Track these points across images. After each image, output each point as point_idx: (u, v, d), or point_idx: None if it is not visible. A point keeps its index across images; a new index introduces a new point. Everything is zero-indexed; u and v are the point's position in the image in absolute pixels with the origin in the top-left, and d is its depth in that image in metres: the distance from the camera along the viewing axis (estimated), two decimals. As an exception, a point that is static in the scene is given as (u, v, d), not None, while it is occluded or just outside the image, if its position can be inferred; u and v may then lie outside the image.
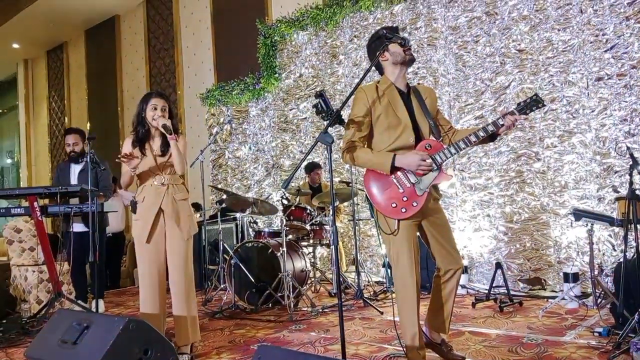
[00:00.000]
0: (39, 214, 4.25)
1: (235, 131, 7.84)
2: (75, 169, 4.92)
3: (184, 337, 3.27)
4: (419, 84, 3.01)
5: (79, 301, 4.74)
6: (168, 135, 3.22)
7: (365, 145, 2.73)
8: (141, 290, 3.33)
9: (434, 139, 2.67)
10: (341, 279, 5.38)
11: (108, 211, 4.62)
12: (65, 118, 11.68)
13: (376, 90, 2.69)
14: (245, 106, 7.70)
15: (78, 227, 4.81)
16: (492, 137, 2.64)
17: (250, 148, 7.40)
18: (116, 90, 10.41)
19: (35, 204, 4.21)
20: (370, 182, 2.70)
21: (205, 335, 3.85)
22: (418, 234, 2.74)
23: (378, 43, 2.65)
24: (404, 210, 2.60)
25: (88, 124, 10.97)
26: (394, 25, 5.89)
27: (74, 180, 4.85)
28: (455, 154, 2.59)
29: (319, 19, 6.64)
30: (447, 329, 2.85)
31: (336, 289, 5.24)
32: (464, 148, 2.57)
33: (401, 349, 3.14)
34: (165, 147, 3.32)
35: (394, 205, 2.61)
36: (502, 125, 2.54)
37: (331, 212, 2.42)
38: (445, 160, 2.59)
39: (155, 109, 3.27)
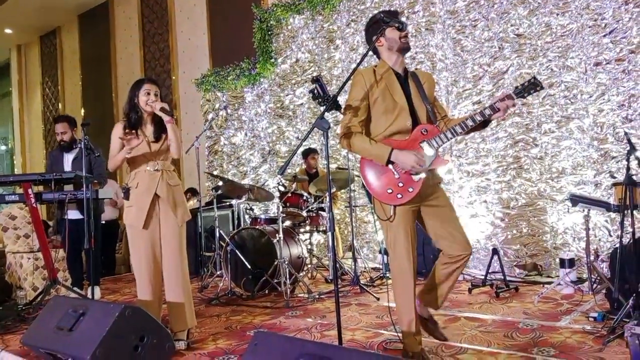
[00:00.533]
0: (33, 200, 4.21)
1: (231, 117, 7.79)
2: (68, 157, 4.88)
3: (180, 323, 3.27)
4: (416, 69, 2.97)
5: (75, 288, 4.72)
6: (166, 119, 3.21)
7: (364, 129, 2.67)
8: (137, 278, 3.32)
9: (430, 123, 2.63)
10: (338, 266, 5.39)
11: (103, 198, 4.59)
12: (59, 104, 11.58)
13: (374, 73, 2.65)
14: (241, 92, 7.64)
15: (73, 214, 4.78)
16: (484, 123, 2.60)
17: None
18: (110, 75, 10.31)
19: (30, 190, 4.18)
20: (366, 168, 2.66)
21: (201, 321, 3.85)
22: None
23: (375, 27, 2.61)
24: (399, 196, 2.58)
25: (82, 110, 10.88)
26: (393, 9, 5.84)
27: (67, 168, 4.82)
28: (451, 138, 2.57)
29: (316, 3, 6.56)
30: (439, 306, 2.83)
31: (332, 275, 5.25)
32: (460, 132, 2.54)
33: (397, 334, 3.15)
34: (158, 132, 3.31)
35: (389, 191, 2.60)
36: (499, 109, 2.48)
37: (328, 199, 2.40)
38: (442, 145, 2.55)
39: (149, 94, 3.26)
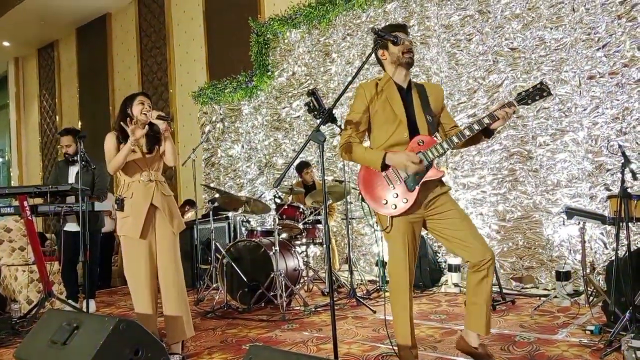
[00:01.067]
0: (29, 213, 4.20)
1: (228, 129, 7.81)
2: (73, 170, 4.89)
3: (179, 333, 3.23)
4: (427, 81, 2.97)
5: (70, 301, 4.70)
6: (163, 127, 3.22)
7: (363, 141, 2.73)
8: (134, 291, 3.27)
9: (427, 135, 2.61)
10: (334, 278, 5.37)
11: (99, 210, 4.57)
12: (57, 117, 11.59)
13: (375, 86, 2.70)
14: (238, 104, 7.67)
15: (72, 226, 4.77)
16: (487, 134, 2.58)
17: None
18: (108, 88, 10.34)
19: (25, 203, 4.17)
20: (363, 179, 2.71)
21: (197, 335, 3.82)
22: (426, 232, 2.71)
23: (378, 40, 2.63)
24: (393, 207, 2.59)
25: (79, 123, 10.90)
26: (389, 22, 5.89)
27: (71, 180, 4.83)
28: (447, 149, 2.54)
29: (312, 17, 6.62)
30: (484, 328, 2.61)
31: (328, 288, 5.23)
32: (457, 143, 2.51)
33: (392, 347, 3.14)
34: (151, 144, 3.33)
35: (384, 202, 2.62)
36: (498, 117, 2.44)
37: (323, 211, 2.40)
38: (438, 156, 2.53)
39: (143, 104, 3.27)
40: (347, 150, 2.65)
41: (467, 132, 2.48)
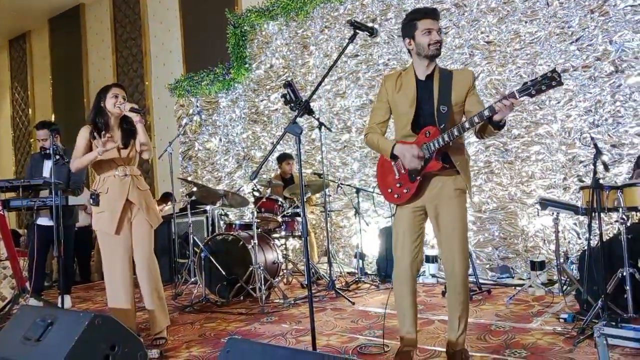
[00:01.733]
0: (0, 207, 4.11)
1: (205, 122, 7.74)
2: (48, 164, 4.76)
3: (161, 322, 3.36)
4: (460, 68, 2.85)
5: (42, 297, 4.62)
6: (136, 119, 3.23)
7: (384, 130, 2.78)
8: (110, 285, 3.28)
9: (434, 126, 2.56)
10: (313, 270, 5.39)
11: (74, 204, 4.49)
12: (29, 109, 11.33)
13: (397, 78, 2.71)
14: (215, 97, 7.60)
15: (44, 220, 4.67)
16: (496, 126, 2.42)
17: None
18: (82, 80, 10.12)
19: (-3, 197, 4.08)
20: (379, 167, 2.81)
21: (175, 329, 3.80)
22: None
23: (407, 28, 2.61)
24: (397, 196, 2.67)
25: (53, 116, 10.67)
26: (366, 16, 5.89)
27: (46, 173, 4.71)
28: (448, 141, 2.47)
29: (290, 9, 6.58)
30: (456, 341, 2.66)
31: (307, 280, 5.24)
32: (457, 135, 2.46)
33: (373, 339, 3.17)
34: (126, 138, 3.32)
35: (389, 190, 2.71)
36: (499, 110, 2.32)
37: (301, 204, 2.40)
38: (437, 148, 2.50)
39: (117, 96, 3.27)
40: (369, 140, 2.77)
41: (467, 125, 2.43)
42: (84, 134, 3.29)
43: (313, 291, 4.89)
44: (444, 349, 2.93)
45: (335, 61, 2.45)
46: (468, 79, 2.64)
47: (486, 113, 2.35)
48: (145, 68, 8.91)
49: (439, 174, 2.60)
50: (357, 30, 2.46)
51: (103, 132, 3.22)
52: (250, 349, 1.86)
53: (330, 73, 6.24)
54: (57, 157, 3.80)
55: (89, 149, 3.26)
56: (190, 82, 7.73)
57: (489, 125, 2.44)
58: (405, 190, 2.63)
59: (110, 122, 3.33)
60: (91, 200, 3.22)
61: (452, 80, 2.61)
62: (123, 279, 3.26)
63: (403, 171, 2.64)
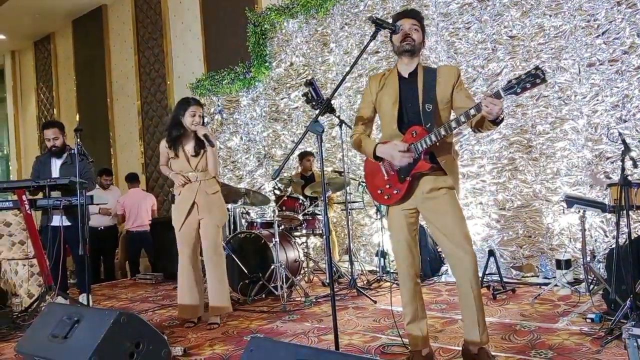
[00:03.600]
0: (27, 207, 4.19)
1: (226, 121, 7.78)
2: (57, 163, 4.79)
3: (219, 309, 3.83)
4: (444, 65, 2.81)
5: (68, 295, 4.69)
6: (207, 144, 3.71)
7: (370, 131, 2.77)
8: (179, 277, 3.88)
9: (420, 125, 2.55)
10: (334, 269, 5.38)
11: (98, 203, 4.56)
12: (54, 110, 11.55)
13: (381, 78, 2.72)
14: (236, 96, 7.63)
15: (58, 220, 4.71)
16: (493, 122, 2.37)
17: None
18: (105, 80, 10.28)
19: (24, 197, 4.15)
20: (366, 169, 2.80)
21: (198, 327, 3.84)
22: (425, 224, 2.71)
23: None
24: (387, 197, 2.67)
25: (77, 115, 10.86)
26: (387, 12, 5.85)
27: (55, 173, 4.74)
28: (436, 141, 2.45)
29: (309, 7, 6.56)
30: (480, 336, 2.57)
31: (329, 278, 5.23)
32: (444, 135, 2.43)
33: (396, 338, 3.15)
34: (198, 148, 3.78)
35: (379, 192, 2.71)
36: (485, 109, 2.26)
37: (323, 202, 2.39)
38: (424, 147, 2.48)
39: (194, 115, 3.71)
40: (353, 142, 2.76)
41: (453, 124, 2.40)
42: (162, 145, 3.87)
43: (335, 289, 4.88)
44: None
45: (357, 59, 2.43)
46: (452, 75, 2.61)
47: (472, 112, 2.33)
48: (166, 68, 9.00)
49: (428, 173, 2.58)
50: (379, 28, 2.43)
51: (179, 150, 3.78)
52: (273, 348, 1.86)
53: (351, 70, 6.22)
54: (81, 156, 3.86)
55: (168, 157, 3.86)
56: (211, 81, 7.78)
57: (486, 120, 2.39)
58: (395, 192, 2.62)
59: (185, 133, 3.79)
60: (171, 198, 3.90)
61: (437, 78, 2.59)
62: (183, 272, 3.83)
63: (392, 172, 2.62)
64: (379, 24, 2.43)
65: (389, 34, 2.60)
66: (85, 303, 4.16)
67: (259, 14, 7.14)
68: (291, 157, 6.87)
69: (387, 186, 2.67)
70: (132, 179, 7.35)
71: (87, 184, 4.24)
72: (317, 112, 2.35)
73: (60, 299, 4.38)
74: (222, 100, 7.79)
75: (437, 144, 2.48)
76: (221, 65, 7.77)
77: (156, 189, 9.21)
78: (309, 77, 2.52)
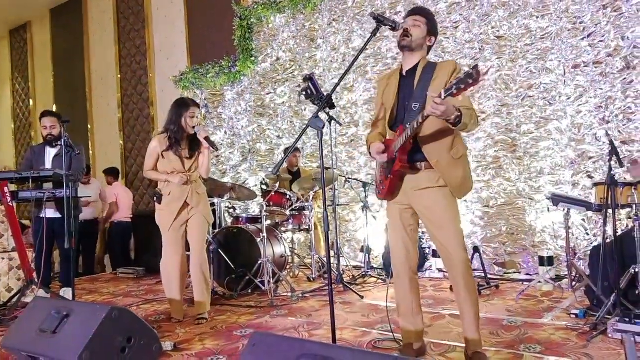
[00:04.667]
0: (9, 199, 4.09)
1: (210, 115, 7.70)
2: (51, 153, 4.72)
3: (205, 306, 3.80)
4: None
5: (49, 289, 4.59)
6: (206, 147, 3.73)
7: (382, 129, 2.82)
8: (163, 276, 3.88)
9: (402, 124, 2.55)
10: (320, 264, 5.39)
11: (82, 197, 4.47)
12: (30, 101, 11.26)
13: (389, 76, 2.78)
14: (221, 90, 7.56)
15: (50, 212, 4.64)
16: (452, 124, 2.33)
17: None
18: (84, 72, 10.06)
19: (6, 189, 4.05)
20: (377, 164, 2.88)
21: (186, 322, 3.80)
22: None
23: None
24: (378, 192, 2.81)
25: (54, 107, 10.61)
26: (375, 9, 5.86)
27: (48, 164, 4.66)
28: (406, 140, 2.45)
29: (297, 2, 6.53)
30: (470, 341, 2.57)
31: (316, 272, 5.24)
32: (410, 134, 2.42)
33: (386, 333, 3.18)
34: (193, 150, 3.80)
35: (375, 186, 2.87)
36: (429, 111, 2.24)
37: (322, 197, 2.38)
38: (399, 147, 2.48)
39: (193, 117, 3.71)
40: (367, 144, 2.84)
41: (415, 125, 2.38)
42: (153, 146, 3.77)
43: (320, 285, 4.90)
44: (458, 344, 2.95)
45: (357, 56, 2.43)
46: (447, 70, 2.54)
47: (425, 114, 2.28)
48: (148, 60, 8.86)
49: (414, 172, 2.58)
50: (380, 25, 2.44)
51: (176, 151, 3.73)
52: (276, 343, 1.86)
53: (338, 67, 6.19)
54: (68, 148, 3.79)
55: (157, 159, 3.78)
56: (195, 74, 7.69)
57: (446, 123, 2.36)
58: (382, 187, 2.73)
59: (183, 135, 3.75)
60: (155, 198, 3.78)
61: (433, 74, 2.56)
62: (172, 271, 3.79)
63: (384, 169, 2.71)
64: (380, 21, 2.44)
65: (389, 29, 2.57)
66: (68, 298, 4.08)
67: (246, 8, 7.08)
68: (277, 152, 6.86)
69: (379, 181, 2.78)
70: (115, 174, 7.33)
71: (74, 176, 4.17)
72: (317, 107, 2.34)
73: (42, 293, 4.30)
74: (206, 94, 7.71)
75: (411, 142, 2.49)
76: (205, 59, 7.68)
77: (136, 183, 9.08)
78: (309, 73, 2.50)
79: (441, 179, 2.56)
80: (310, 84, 2.39)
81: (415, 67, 2.63)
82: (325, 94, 2.37)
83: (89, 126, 9.90)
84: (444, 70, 2.56)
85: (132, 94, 9.23)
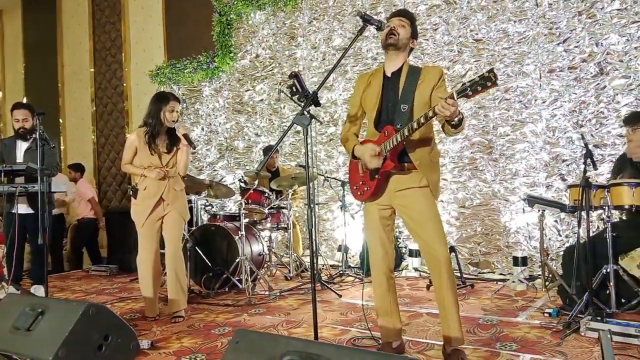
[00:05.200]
0: (-22, 193, 3.97)
1: (187, 111, 7.61)
2: (22, 146, 4.59)
3: (180, 303, 3.73)
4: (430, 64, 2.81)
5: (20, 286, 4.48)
6: (184, 144, 3.69)
7: (358, 130, 2.86)
8: (139, 272, 3.80)
9: (391, 125, 2.58)
10: (298, 262, 5.39)
11: (55, 191, 4.37)
12: (0, 92, 10.94)
13: (369, 76, 2.77)
14: (198, 85, 7.48)
15: (22, 208, 4.52)
16: (452, 125, 2.40)
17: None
18: (56, 64, 9.82)
19: (-25, 183, 3.93)
20: (349, 165, 2.87)
21: (163, 320, 3.75)
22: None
23: (364, 25, 2.59)
24: (360, 193, 2.77)
25: (25, 99, 10.32)
26: (356, 9, 5.89)
27: (20, 158, 4.53)
28: (400, 141, 2.49)
29: (278, -1, 6.52)
30: (451, 338, 2.59)
31: (294, 271, 5.23)
32: (407, 135, 2.46)
33: (365, 332, 3.20)
34: (171, 145, 3.75)
35: (355, 187, 2.81)
36: (439, 111, 2.27)
37: (307, 196, 2.39)
38: (390, 147, 2.52)
39: (173, 111, 3.67)
40: (342, 140, 2.85)
41: (415, 125, 2.42)
42: (131, 139, 3.73)
43: (298, 283, 4.90)
44: (436, 342, 2.99)
45: (344, 54, 2.44)
46: (434, 75, 2.61)
47: (430, 114, 2.33)
48: (124, 54, 8.70)
49: (399, 172, 2.62)
50: (366, 24, 2.45)
51: (154, 145, 3.68)
52: (260, 340, 1.85)
53: (318, 65, 6.19)
54: (43, 141, 3.70)
55: (135, 153, 3.72)
56: (172, 69, 7.58)
57: (446, 124, 2.43)
58: (366, 188, 2.71)
59: (161, 129, 3.70)
60: (130, 193, 3.75)
61: (419, 78, 2.61)
62: (145, 268, 3.74)
63: (366, 169, 2.70)
64: (366, 20, 2.45)
65: (375, 29, 2.60)
66: (40, 295, 3.98)
67: (225, 4, 7.02)
68: (255, 151, 6.82)
69: (361, 182, 2.75)
70: (82, 170, 7.21)
71: (49, 171, 4.06)
72: (303, 104, 2.34)
73: (12, 290, 4.19)
74: (183, 90, 7.62)
75: (404, 143, 2.53)
76: (183, 54, 7.58)
77: (108, 179, 8.92)
78: (293, 71, 2.49)
79: (423, 179, 2.62)
80: (295, 81, 2.39)
81: (400, 70, 2.66)
82: (310, 91, 2.36)
83: (61, 120, 9.67)
84: (430, 75, 2.62)
85: (106, 87, 9.06)
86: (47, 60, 9.95)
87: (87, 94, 9.28)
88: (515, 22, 5.02)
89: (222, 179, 7.14)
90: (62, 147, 9.54)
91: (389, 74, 2.69)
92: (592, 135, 4.60)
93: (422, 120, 2.39)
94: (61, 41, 9.78)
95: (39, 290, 4.59)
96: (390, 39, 2.59)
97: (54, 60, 9.83)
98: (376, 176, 2.63)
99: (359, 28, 2.44)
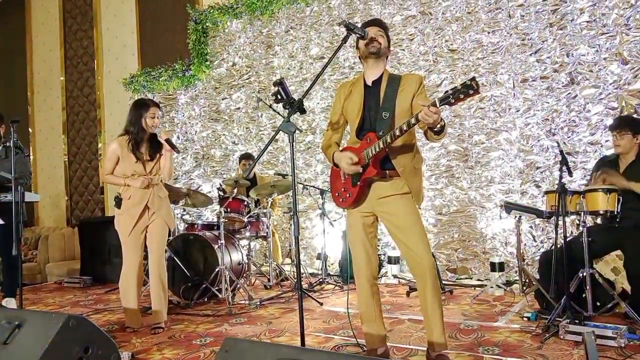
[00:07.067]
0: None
1: (162, 119, 7.52)
2: None
3: (162, 315, 3.68)
4: (411, 72, 2.84)
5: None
6: (167, 148, 3.64)
7: (340, 139, 2.90)
8: (121, 282, 3.69)
9: (374, 132, 2.61)
10: (278, 271, 5.36)
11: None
12: (-35, 100, 10.62)
13: (350, 85, 2.80)
14: (174, 93, 7.41)
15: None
16: (434, 132, 2.42)
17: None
18: (25, 72, 9.60)
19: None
20: (331, 172, 2.89)
21: (142, 331, 3.68)
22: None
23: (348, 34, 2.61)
24: (342, 200, 2.78)
25: (-8, 108, 10.06)
26: (332, 19, 5.94)
27: None
28: (383, 148, 2.51)
29: (254, 8, 6.52)
30: (435, 343, 2.63)
31: (274, 280, 5.20)
32: (389, 142, 2.49)
33: (348, 339, 3.20)
34: (154, 152, 3.70)
35: (337, 194, 2.83)
36: (422, 118, 2.29)
37: (293, 204, 2.39)
38: (373, 154, 2.55)
39: (154, 117, 3.62)
40: (322, 147, 2.89)
41: (397, 132, 2.44)
42: (113, 148, 3.64)
43: (278, 292, 4.87)
44: (420, 347, 3.01)
45: (328, 62, 2.45)
46: (414, 83, 2.65)
47: (412, 121, 2.36)
48: (96, 61, 8.57)
49: (380, 179, 2.65)
50: (350, 32, 2.48)
51: (139, 153, 3.62)
52: (250, 348, 1.83)
53: (295, 74, 6.20)
54: (17, 149, 3.61)
55: (117, 161, 3.64)
56: (146, 77, 7.50)
57: (428, 131, 2.46)
58: (348, 195, 2.73)
59: (144, 136, 3.65)
60: (114, 203, 3.64)
61: (399, 86, 2.65)
62: (130, 279, 3.64)
63: (348, 177, 2.72)
64: (350, 29, 2.48)
65: (353, 42, 2.66)
66: (19, 306, 3.87)
67: (201, 12, 6.99)
68: (232, 159, 6.78)
69: (343, 189, 2.77)
70: None
71: (23, 180, 3.96)
72: (288, 111, 2.35)
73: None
74: (158, 97, 7.52)
75: (387, 150, 2.55)
76: (157, 62, 7.51)
77: (80, 188, 8.73)
78: (280, 77, 2.50)
79: (405, 186, 2.65)
80: (280, 88, 2.39)
81: (380, 78, 2.71)
82: (295, 98, 2.37)
83: (30, 129, 9.44)
84: (410, 83, 2.66)
85: (77, 95, 8.89)
86: (16, 68, 9.72)
87: (57, 102, 9.10)
88: (489, 33, 5.14)
89: (198, 187, 7.07)
90: (32, 157, 9.31)
91: (369, 83, 2.73)
92: (564, 142, 4.73)
93: (405, 128, 2.42)
94: (31, 49, 9.57)
95: (10, 302, 4.45)
96: (373, 47, 2.63)
97: (23, 68, 9.60)
98: (358, 183, 2.65)
99: (343, 36, 2.47)
